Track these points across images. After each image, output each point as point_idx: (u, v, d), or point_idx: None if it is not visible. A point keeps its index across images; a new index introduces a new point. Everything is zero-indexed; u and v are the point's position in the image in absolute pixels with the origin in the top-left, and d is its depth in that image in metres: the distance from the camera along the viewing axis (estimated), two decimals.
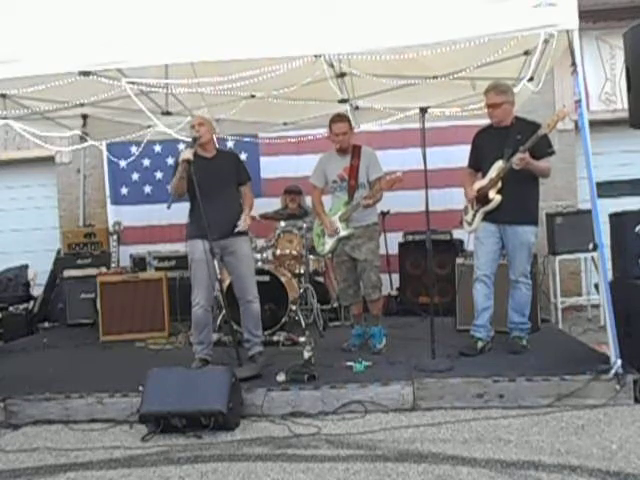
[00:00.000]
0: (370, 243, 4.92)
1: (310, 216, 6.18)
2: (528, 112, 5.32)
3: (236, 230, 4.53)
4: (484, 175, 4.68)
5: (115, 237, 7.15)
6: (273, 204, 6.98)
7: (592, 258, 6.24)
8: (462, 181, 4.93)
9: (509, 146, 4.46)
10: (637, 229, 4.30)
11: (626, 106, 4.58)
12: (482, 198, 4.64)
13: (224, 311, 5.46)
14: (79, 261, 7.20)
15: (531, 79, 5.09)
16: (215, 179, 4.51)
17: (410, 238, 7.03)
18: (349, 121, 4.99)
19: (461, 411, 3.79)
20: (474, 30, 3.75)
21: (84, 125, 6.52)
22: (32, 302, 7.35)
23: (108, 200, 8.22)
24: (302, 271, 6.14)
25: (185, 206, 4.71)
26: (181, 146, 7.69)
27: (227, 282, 5.01)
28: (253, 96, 5.77)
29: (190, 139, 4.56)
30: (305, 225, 6.14)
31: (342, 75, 5.35)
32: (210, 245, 4.35)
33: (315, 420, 3.77)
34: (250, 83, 4.54)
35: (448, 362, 4.29)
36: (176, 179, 4.45)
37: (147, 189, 8.14)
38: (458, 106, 5.96)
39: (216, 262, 4.38)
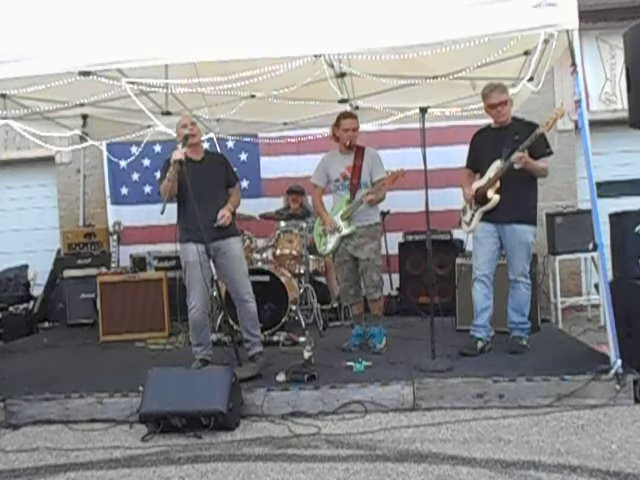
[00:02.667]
0: (372, 243, 4.93)
1: (312, 216, 6.18)
2: (528, 112, 5.33)
3: (215, 225, 4.45)
4: (482, 175, 4.69)
5: (115, 237, 7.16)
6: (273, 204, 6.99)
7: (592, 258, 6.24)
8: (460, 181, 4.93)
9: (507, 146, 4.46)
10: (637, 229, 4.30)
11: (626, 106, 4.58)
12: (480, 198, 4.65)
13: (223, 311, 5.48)
14: (79, 261, 7.19)
15: (531, 79, 5.09)
16: (205, 181, 4.48)
17: (410, 238, 7.03)
18: (357, 119, 5.00)
19: (461, 411, 3.79)
20: (474, 30, 3.75)
21: (84, 125, 6.52)
22: (32, 302, 7.36)
23: (108, 200, 8.22)
24: (302, 271, 6.14)
25: None
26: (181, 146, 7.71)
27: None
28: (253, 96, 5.77)
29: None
30: (306, 225, 6.14)
31: (342, 75, 5.35)
32: (206, 246, 4.34)
33: (315, 420, 3.77)
34: (250, 83, 4.55)
35: (448, 362, 4.29)
36: (167, 180, 4.38)
37: (147, 189, 8.14)
38: (458, 106, 5.97)
39: (212, 263, 4.37)
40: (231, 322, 4.85)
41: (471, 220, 4.76)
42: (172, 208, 4.51)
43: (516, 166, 4.39)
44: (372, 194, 4.83)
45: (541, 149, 4.49)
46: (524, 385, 3.85)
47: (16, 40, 3.91)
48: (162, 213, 4.23)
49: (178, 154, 4.33)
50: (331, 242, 5.02)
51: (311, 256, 6.18)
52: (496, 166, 4.55)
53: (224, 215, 4.48)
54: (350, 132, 4.89)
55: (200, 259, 4.38)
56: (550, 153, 4.57)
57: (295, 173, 7.46)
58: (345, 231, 4.91)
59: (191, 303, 4.49)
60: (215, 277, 4.43)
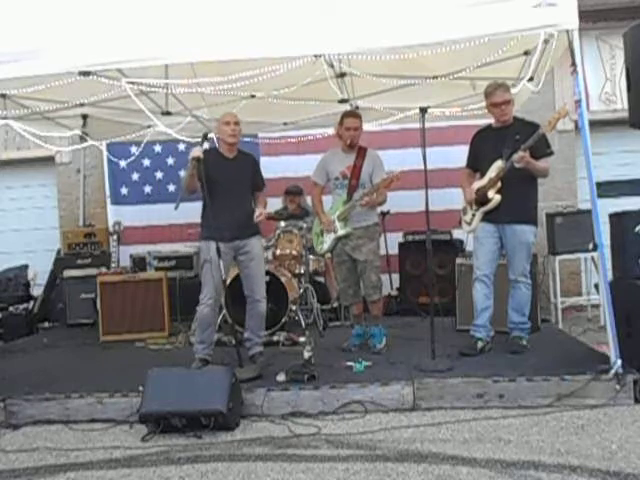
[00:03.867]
0: (371, 244, 4.92)
1: (311, 216, 6.18)
2: (528, 112, 5.33)
3: (255, 220, 4.56)
4: (482, 175, 4.69)
5: (115, 237, 7.15)
6: (273, 204, 6.95)
7: (592, 258, 6.24)
8: (460, 181, 4.93)
9: (508, 146, 4.46)
10: (637, 229, 4.30)
11: (626, 106, 4.58)
12: (481, 198, 4.64)
13: (224, 311, 5.48)
14: (79, 261, 7.19)
15: (531, 79, 5.10)
16: (234, 180, 4.53)
17: (410, 238, 7.03)
18: (361, 119, 4.99)
19: (461, 411, 3.79)
20: (474, 30, 3.75)
21: (84, 125, 6.52)
22: (32, 302, 7.35)
23: (108, 200, 8.22)
24: (302, 271, 6.14)
25: (187, 207, 4.68)
26: (181, 146, 7.74)
27: (227, 282, 4.99)
28: (253, 96, 5.77)
29: (206, 137, 4.57)
30: (305, 225, 6.14)
31: (342, 75, 5.35)
32: (217, 245, 4.36)
33: (315, 420, 3.77)
34: (250, 83, 4.55)
35: (448, 362, 4.29)
36: (186, 175, 4.47)
37: (147, 189, 8.15)
38: (458, 106, 5.97)
39: (222, 263, 4.39)
40: (232, 322, 4.84)
41: (472, 220, 4.76)
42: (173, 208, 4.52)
43: (517, 165, 4.39)
44: (366, 196, 4.82)
45: (542, 149, 4.49)
46: (524, 385, 3.85)
47: (16, 40, 3.91)
48: (176, 209, 4.28)
49: (196, 152, 4.37)
50: (327, 242, 5.02)
51: (311, 256, 6.18)
52: (497, 166, 4.55)
53: (261, 213, 4.58)
54: (352, 131, 4.88)
55: (214, 256, 4.40)
56: (551, 153, 4.57)
57: (295, 173, 7.46)
58: (341, 232, 4.91)
59: (203, 298, 4.51)
60: (223, 277, 4.43)
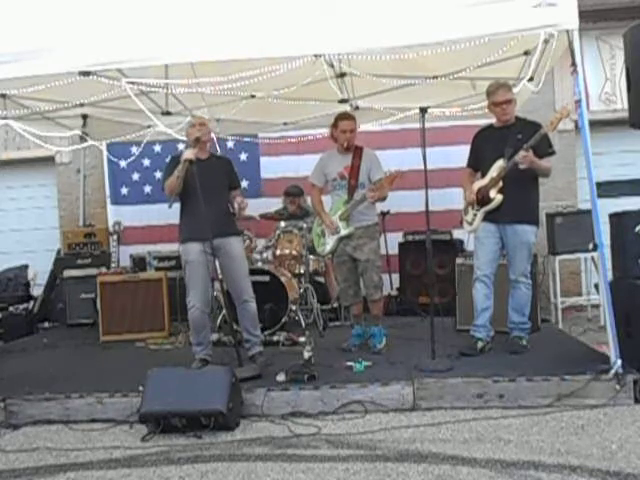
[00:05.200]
0: (372, 243, 4.92)
1: (311, 216, 6.18)
2: (528, 112, 5.32)
3: (236, 206, 4.57)
4: (483, 175, 4.69)
5: (115, 237, 7.17)
6: (273, 204, 6.99)
7: (592, 258, 6.24)
8: (461, 181, 4.93)
9: (510, 146, 4.46)
10: (637, 229, 4.30)
11: (626, 106, 4.58)
12: (483, 198, 4.64)
13: (224, 311, 5.47)
14: (79, 261, 7.20)
15: (531, 79, 5.10)
16: (209, 180, 4.50)
17: (410, 238, 7.03)
18: (355, 120, 4.98)
19: (461, 411, 3.79)
20: (474, 30, 3.75)
21: (84, 125, 6.53)
22: (32, 302, 7.36)
23: (108, 200, 8.22)
24: (302, 271, 6.14)
25: None
26: (181, 146, 7.72)
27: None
28: (253, 96, 5.78)
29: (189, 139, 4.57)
30: (305, 225, 6.14)
31: (342, 75, 5.35)
32: (211, 245, 4.35)
33: (315, 420, 3.77)
34: (250, 83, 4.55)
35: (448, 362, 4.29)
36: (174, 177, 4.42)
37: (147, 189, 8.14)
38: (458, 106, 5.97)
39: (217, 262, 4.37)
40: (231, 322, 4.84)
41: (473, 220, 4.75)
42: (177, 207, 4.53)
43: (522, 166, 4.39)
44: (374, 191, 4.80)
45: (544, 149, 4.49)
46: (524, 385, 3.85)
47: (16, 40, 3.91)
48: (170, 207, 4.32)
49: (190, 154, 4.38)
50: (329, 243, 5.01)
51: (311, 256, 6.18)
52: (499, 166, 4.54)
53: (243, 201, 4.59)
54: (348, 134, 4.87)
55: (202, 258, 4.40)
56: (553, 153, 4.57)
57: (295, 173, 7.46)
58: (343, 232, 4.91)
59: (190, 302, 4.50)
60: (220, 276, 4.43)
